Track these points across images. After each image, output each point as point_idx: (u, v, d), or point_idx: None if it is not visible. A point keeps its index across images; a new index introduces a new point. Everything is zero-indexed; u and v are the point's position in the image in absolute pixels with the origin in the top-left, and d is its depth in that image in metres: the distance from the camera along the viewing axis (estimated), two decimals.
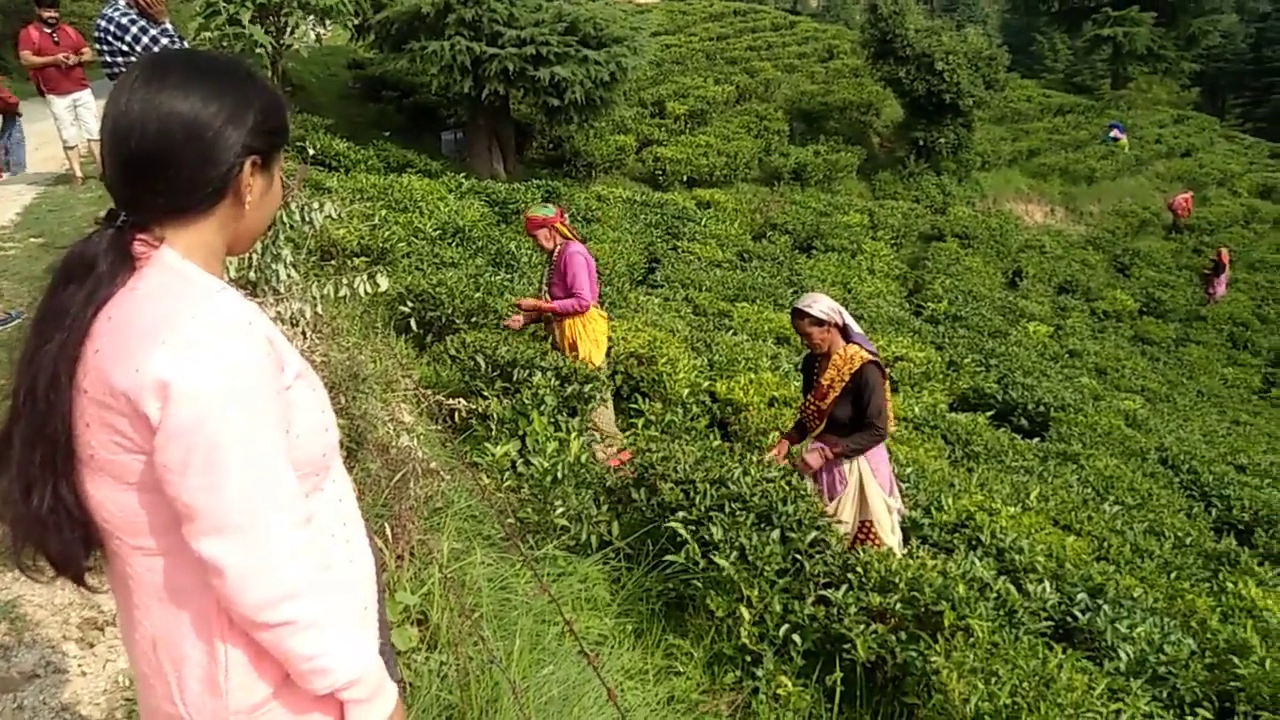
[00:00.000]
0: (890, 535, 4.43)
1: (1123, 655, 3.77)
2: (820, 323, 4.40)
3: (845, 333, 4.47)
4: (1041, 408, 9.78)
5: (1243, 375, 17.46)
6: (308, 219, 4.39)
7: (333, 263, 5.93)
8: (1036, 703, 2.92)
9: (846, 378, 4.34)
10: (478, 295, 6.80)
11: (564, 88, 14.40)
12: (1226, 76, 51.01)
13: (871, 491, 4.40)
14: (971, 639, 3.32)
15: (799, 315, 4.45)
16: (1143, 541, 6.05)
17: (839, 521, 4.36)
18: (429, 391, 5.26)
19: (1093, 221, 24.23)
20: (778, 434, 6.32)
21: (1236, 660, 4.34)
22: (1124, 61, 34.59)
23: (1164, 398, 13.53)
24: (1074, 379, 12.38)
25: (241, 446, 1.16)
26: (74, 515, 1.24)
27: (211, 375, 1.15)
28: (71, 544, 1.26)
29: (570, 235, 5.83)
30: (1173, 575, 5.61)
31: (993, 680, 3.03)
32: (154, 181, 1.23)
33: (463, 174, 13.79)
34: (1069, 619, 4.02)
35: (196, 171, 1.24)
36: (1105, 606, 4.12)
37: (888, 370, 4.91)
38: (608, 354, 6.26)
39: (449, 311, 6.48)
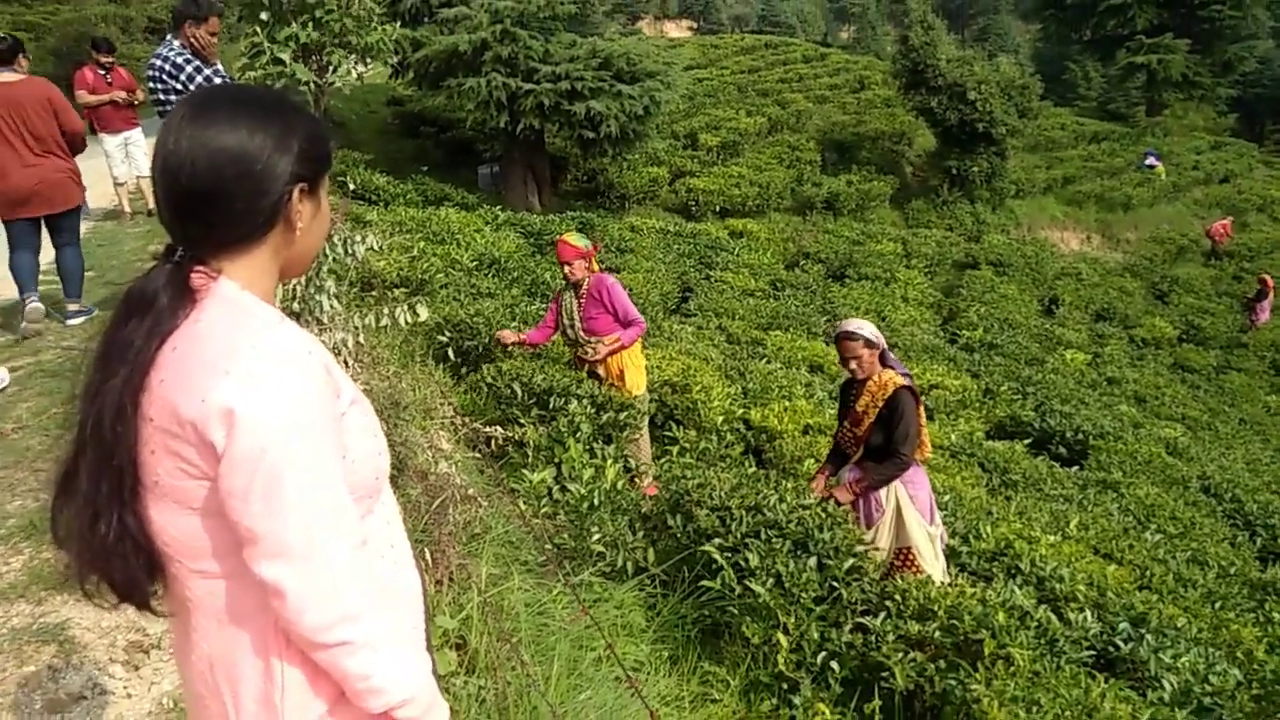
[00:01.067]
0: (932, 564, 4.38)
1: (1167, 685, 3.71)
2: (872, 345, 4.39)
3: (883, 358, 4.48)
4: (1080, 435, 9.66)
5: None
6: (350, 251, 4.50)
7: (373, 294, 6.06)
8: None
9: (880, 404, 4.33)
10: (514, 325, 6.89)
11: (598, 121, 14.60)
12: (1264, 102, 50.28)
13: (909, 518, 4.38)
14: (1012, 668, 3.29)
15: (849, 337, 4.42)
16: (1186, 570, 5.95)
17: (875, 549, 4.34)
18: (466, 419, 5.34)
19: (1130, 249, 23.96)
20: (813, 462, 6.31)
21: None
22: (1159, 89, 34.34)
23: (1205, 425, 13.29)
24: (1113, 406, 12.21)
25: (303, 474, 1.20)
26: (139, 543, 1.27)
27: (274, 404, 1.19)
28: (136, 571, 1.29)
29: (597, 268, 5.92)
30: (1217, 605, 5.51)
31: (1034, 709, 3.00)
32: (207, 215, 1.27)
33: (499, 207, 14.00)
34: (1111, 648, 3.97)
35: (248, 203, 1.28)
36: (1148, 636, 4.07)
37: (922, 396, 4.87)
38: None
39: (486, 341, 6.58)
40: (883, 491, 4.42)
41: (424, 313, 4.71)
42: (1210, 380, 17.17)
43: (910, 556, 4.36)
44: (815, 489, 4.56)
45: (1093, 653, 3.78)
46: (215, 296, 1.29)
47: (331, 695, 1.33)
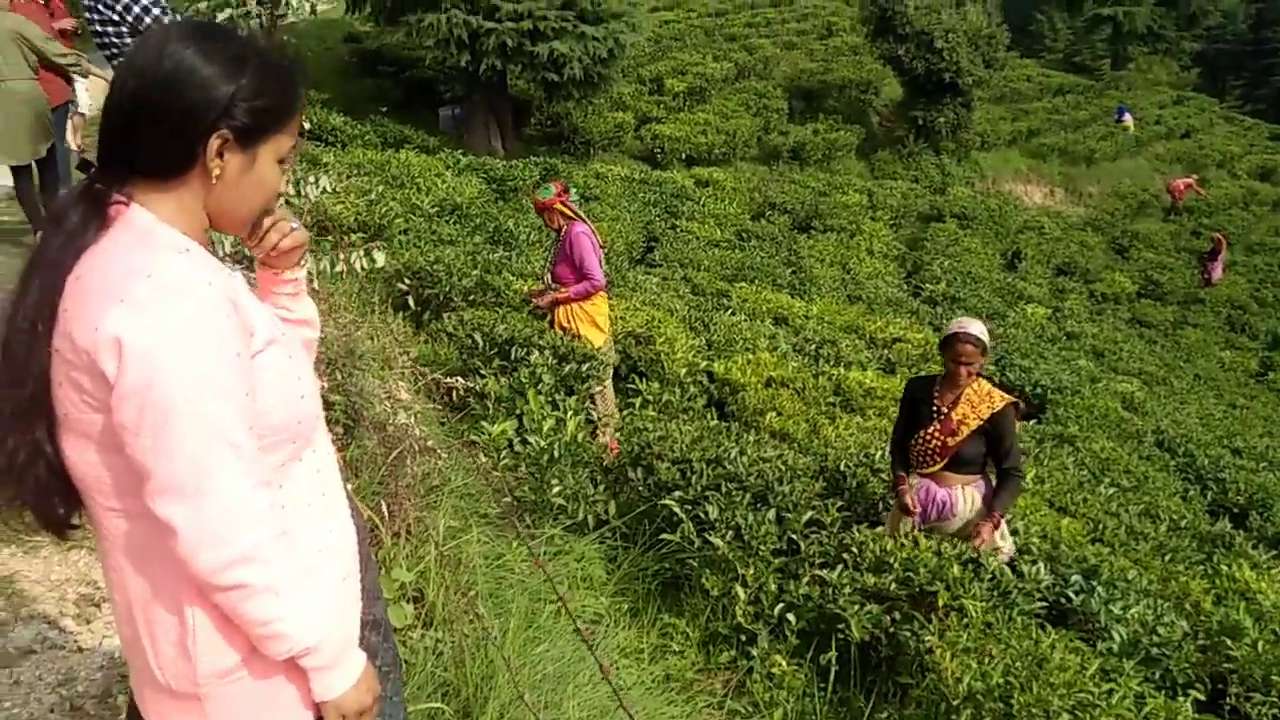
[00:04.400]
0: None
1: (1116, 636, 3.78)
2: (987, 350, 4.05)
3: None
4: (1039, 389, 9.79)
5: (1240, 359, 17.47)
6: (303, 193, 4.36)
7: (329, 238, 5.90)
8: (1029, 682, 2.94)
9: (984, 417, 3.96)
10: (476, 273, 6.78)
11: (562, 64, 14.31)
12: (1226, 57, 50.66)
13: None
14: (965, 619, 3.34)
15: (966, 340, 3.98)
16: (1138, 524, 6.07)
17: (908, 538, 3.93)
18: (426, 369, 5.25)
19: (1092, 203, 24.15)
20: (775, 415, 6.32)
21: (1229, 642, 4.35)
22: (1124, 41, 34.46)
23: (1161, 380, 13.55)
24: (1071, 361, 12.38)
25: (193, 408, 1.16)
26: (53, 468, 1.25)
27: (164, 335, 1.15)
28: (51, 497, 1.27)
29: (574, 215, 5.81)
30: (1167, 558, 5.64)
31: (986, 660, 3.04)
32: (133, 134, 1.24)
33: (460, 150, 13.71)
34: (1063, 600, 4.03)
35: (171, 132, 1.24)
36: (1099, 588, 4.13)
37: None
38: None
39: (447, 289, 6.47)
40: (960, 499, 4.07)
41: (381, 259, 4.60)
42: (1167, 336, 17.49)
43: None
44: (911, 503, 4.00)
45: (1045, 605, 3.83)
46: (124, 223, 1.25)
47: (246, 645, 1.30)
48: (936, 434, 4.01)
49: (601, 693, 2.59)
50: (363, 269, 4.59)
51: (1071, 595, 4.11)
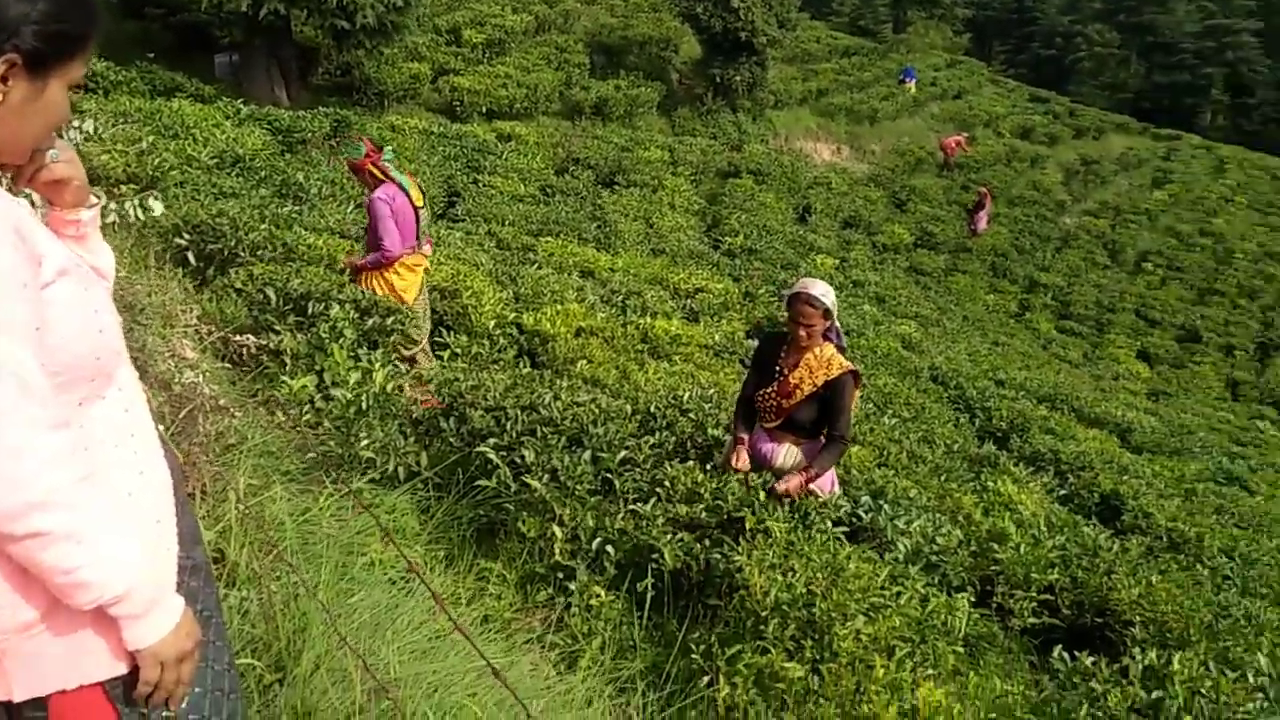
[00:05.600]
0: None
1: (901, 547, 4.12)
2: (829, 315, 3.93)
3: (828, 329, 4.08)
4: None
5: (1002, 301, 19.31)
6: (64, 135, 3.94)
7: (97, 189, 5.38)
8: (828, 590, 3.16)
9: (819, 383, 3.95)
10: (265, 227, 6.42)
11: (353, 10, 13.60)
12: (994, 24, 55.03)
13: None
14: (770, 539, 3.53)
15: (806, 301, 3.89)
16: (917, 449, 6.62)
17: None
18: (214, 327, 4.93)
19: (875, 160, 25.73)
20: (586, 363, 6.39)
21: (996, 547, 4.87)
22: (904, 6, 36.64)
23: (935, 322, 14.75)
24: (857, 306, 13.22)
25: None
26: None
27: None
28: None
29: (383, 176, 5.60)
30: (943, 477, 6.18)
31: (790, 574, 3.24)
32: None
33: (240, 100, 12.80)
34: (855, 519, 4.34)
35: None
36: (886, 506, 4.48)
37: (862, 379, 4.35)
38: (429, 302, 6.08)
39: (232, 244, 6.08)
40: (781, 459, 4.14)
41: (158, 207, 4.25)
42: (939, 282, 19.02)
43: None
44: (738, 464, 4.01)
45: (842, 527, 4.11)
46: None
47: (47, 596, 1.21)
48: (773, 394, 4.05)
49: (423, 634, 2.56)
50: (137, 219, 4.21)
51: (862, 514, 4.43)
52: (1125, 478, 7.84)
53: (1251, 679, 3.42)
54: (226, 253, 6.06)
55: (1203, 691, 3.28)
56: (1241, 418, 16.77)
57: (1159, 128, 35.97)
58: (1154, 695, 3.22)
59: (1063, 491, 7.40)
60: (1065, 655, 3.56)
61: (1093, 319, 20.54)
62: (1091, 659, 3.46)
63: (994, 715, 2.79)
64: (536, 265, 9.40)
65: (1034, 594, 4.84)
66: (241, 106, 12.13)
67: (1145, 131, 34.76)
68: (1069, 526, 5.79)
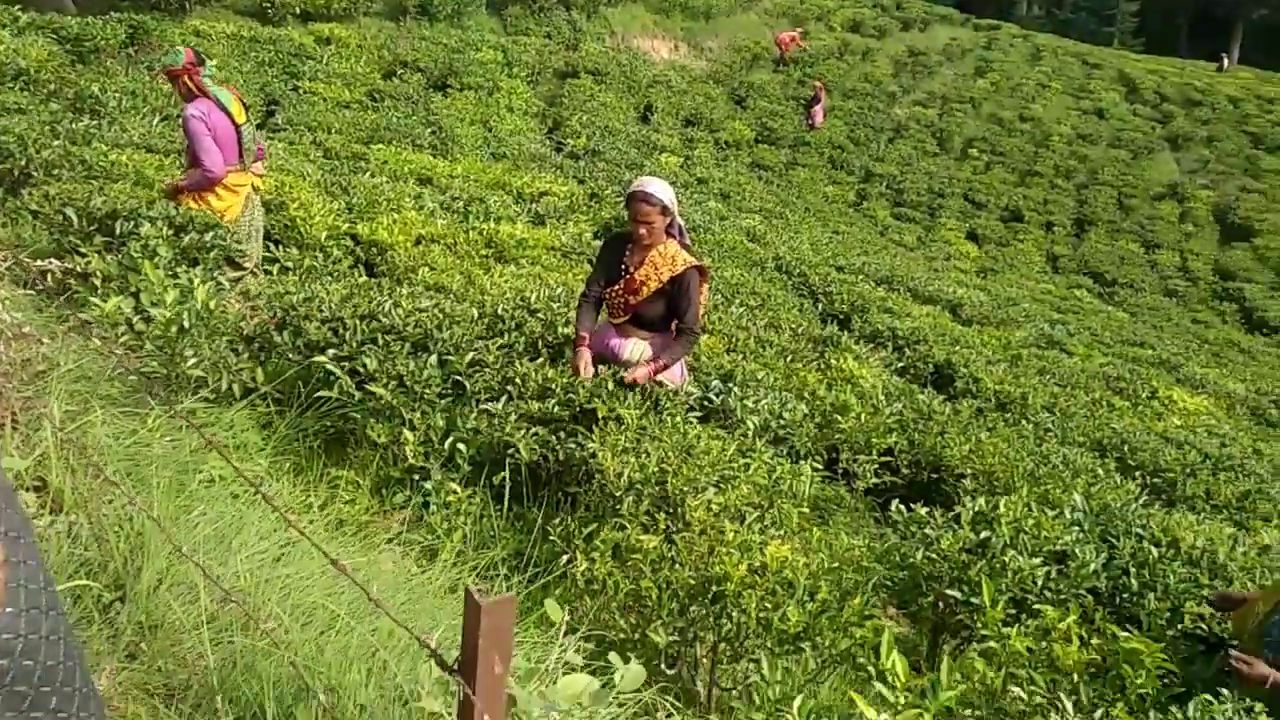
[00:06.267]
0: None
1: (750, 424, 4.27)
2: (667, 212, 3.94)
3: (669, 226, 4.08)
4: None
5: (840, 192, 19.91)
6: None
7: None
8: (680, 467, 3.25)
9: (665, 279, 3.99)
10: (59, 144, 5.88)
11: None
12: None
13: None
14: (623, 425, 3.59)
15: (647, 200, 3.91)
16: (764, 334, 6.82)
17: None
18: (10, 253, 4.50)
19: (713, 57, 25.66)
20: (429, 270, 6.20)
21: (839, 418, 5.14)
22: None
23: (778, 215, 15.10)
24: (703, 203, 13.36)
25: None
26: None
27: None
28: None
29: (198, 90, 5.18)
30: (789, 359, 6.41)
31: (643, 455, 3.31)
32: None
33: (18, 7, 11.47)
34: (706, 402, 4.46)
35: None
36: (735, 389, 4.62)
37: (709, 273, 4.37)
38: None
39: (23, 163, 5.55)
40: (629, 351, 4.17)
41: None
42: (780, 176, 19.40)
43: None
44: (582, 366, 4.00)
45: (693, 412, 4.21)
46: None
47: None
48: (620, 292, 4.09)
49: (273, 543, 2.49)
50: None
51: (713, 398, 4.55)
52: (956, 348, 8.37)
53: (1068, 515, 3.76)
54: (17, 173, 5.56)
55: (1026, 529, 3.58)
56: (1061, 288, 18.14)
57: (980, 18, 37.33)
58: (983, 535, 3.50)
59: (900, 364, 7.83)
60: (903, 508, 3.80)
61: (925, 205, 21.51)
62: (926, 509, 3.72)
63: (837, 565, 2.96)
64: (369, 174, 8.99)
65: (875, 457, 5.16)
66: (20, 14, 10.90)
67: (967, 22, 35.95)
68: (906, 395, 6.14)
